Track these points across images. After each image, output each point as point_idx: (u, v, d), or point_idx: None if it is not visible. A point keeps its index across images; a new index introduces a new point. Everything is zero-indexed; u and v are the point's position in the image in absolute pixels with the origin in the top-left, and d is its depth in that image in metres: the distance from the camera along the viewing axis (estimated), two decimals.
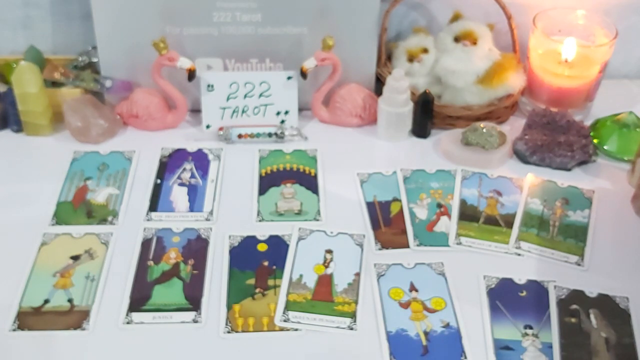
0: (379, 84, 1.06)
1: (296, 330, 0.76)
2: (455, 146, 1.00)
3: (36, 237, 0.87)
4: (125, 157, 1.00)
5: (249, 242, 0.87)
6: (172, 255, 0.85)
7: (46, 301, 0.79)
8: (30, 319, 0.77)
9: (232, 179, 0.97)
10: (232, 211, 0.91)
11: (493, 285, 0.81)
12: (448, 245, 0.87)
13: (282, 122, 1.05)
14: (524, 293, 0.81)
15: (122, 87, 1.05)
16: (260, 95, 1.03)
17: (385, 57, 1.09)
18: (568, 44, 1.03)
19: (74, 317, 0.77)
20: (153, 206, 0.92)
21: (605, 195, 0.94)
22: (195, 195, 0.94)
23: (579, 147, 0.98)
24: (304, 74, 1.01)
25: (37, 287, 0.80)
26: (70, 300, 0.79)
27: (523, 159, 1.00)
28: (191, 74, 1.01)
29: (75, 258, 0.84)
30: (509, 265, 0.84)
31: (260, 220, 0.90)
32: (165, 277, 0.82)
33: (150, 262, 0.84)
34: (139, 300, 0.79)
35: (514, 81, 1.04)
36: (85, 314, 0.77)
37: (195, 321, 0.77)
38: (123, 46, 1.03)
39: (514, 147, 1.01)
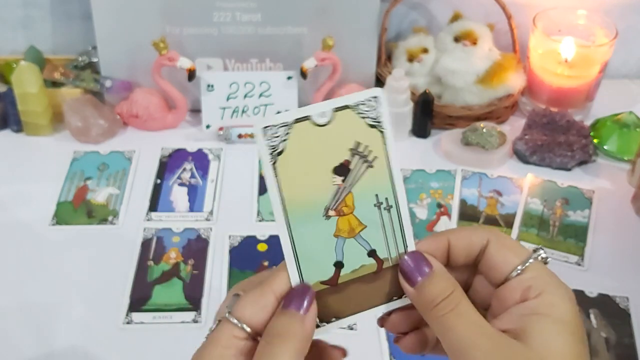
0: (379, 84, 1.06)
1: None
2: (455, 146, 1.00)
3: (36, 237, 0.87)
4: (125, 157, 1.00)
5: (249, 242, 0.87)
6: (172, 255, 0.85)
7: None
8: None
9: (232, 179, 0.97)
10: (232, 211, 0.91)
11: None
12: None
13: None
14: None
15: (122, 87, 1.05)
16: (260, 95, 1.03)
17: (385, 57, 1.09)
18: (568, 44, 1.03)
19: None
20: (153, 206, 0.92)
21: (605, 195, 0.94)
22: (195, 195, 0.94)
23: (579, 147, 0.98)
24: (304, 74, 1.01)
25: None
26: None
27: (523, 159, 1.00)
28: (191, 74, 1.01)
29: None
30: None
31: (260, 220, 0.90)
32: (165, 277, 0.82)
33: (150, 262, 0.84)
34: (139, 300, 0.79)
35: (514, 81, 1.04)
36: None
37: (195, 321, 0.77)
38: (123, 46, 1.03)
39: (514, 147, 1.01)
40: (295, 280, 0.41)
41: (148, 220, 0.90)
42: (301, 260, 0.41)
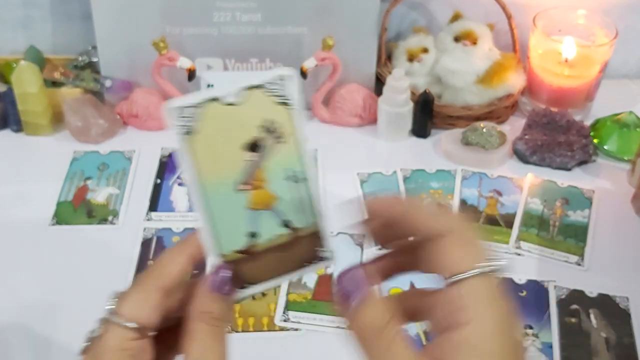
0: (379, 84, 1.06)
1: (296, 330, 0.76)
2: (455, 146, 1.00)
3: (36, 237, 0.87)
4: (125, 157, 1.00)
5: None
6: None
7: None
8: None
9: None
10: None
11: None
12: None
13: None
14: (524, 293, 0.81)
15: (122, 87, 1.05)
16: None
17: (385, 57, 1.09)
18: (568, 43, 1.03)
19: None
20: (153, 206, 0.92)
21: (605, 195, 0.94)
22: None
23: (579, 147, 0.98)
24: (304, 74, 1.01)
25: None
26: None
27: (523, 158, 1.00)
28: (191, 74, 1.01)
29: None
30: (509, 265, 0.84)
31: None
32: None
33: (150, 262, 0.84)
34: None
35: (514, 81, 1.04)
36: None
37: None
38: (123, 46, 1.03)
39: (514, 147, 1.01)
40: (211, 252, 0.43)
41: (148, 220, 0.90)
42: (216, 232, 0.43)
